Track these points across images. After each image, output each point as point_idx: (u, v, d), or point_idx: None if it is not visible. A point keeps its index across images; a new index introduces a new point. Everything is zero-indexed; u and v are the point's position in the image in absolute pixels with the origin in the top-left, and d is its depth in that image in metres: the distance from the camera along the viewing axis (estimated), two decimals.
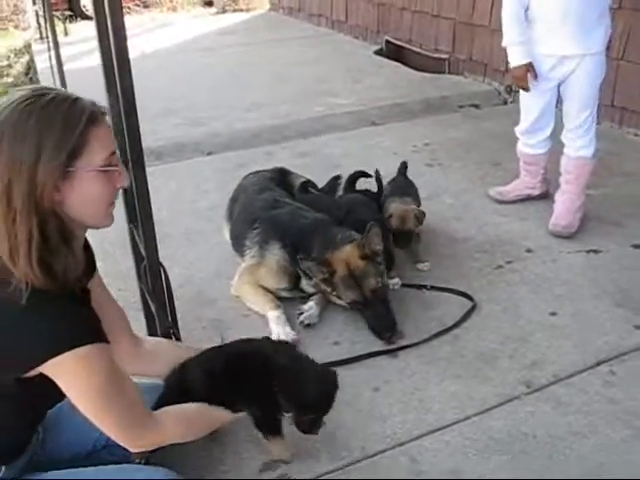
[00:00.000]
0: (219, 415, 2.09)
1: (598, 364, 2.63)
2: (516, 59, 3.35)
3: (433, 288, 3.10)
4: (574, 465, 2.20)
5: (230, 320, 2.98)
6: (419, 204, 3.46)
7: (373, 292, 2.81)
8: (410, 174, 4.21)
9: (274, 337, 2.78)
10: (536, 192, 3.81)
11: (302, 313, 2.92)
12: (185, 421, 1.99)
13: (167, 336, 2.41)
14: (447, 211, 3.83)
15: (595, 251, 3.37)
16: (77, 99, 1.64)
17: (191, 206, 4.03)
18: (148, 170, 4.44)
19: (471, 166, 4.37)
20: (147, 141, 4.97)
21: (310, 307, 2.92)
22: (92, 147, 1.63)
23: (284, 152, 4.71)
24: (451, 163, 4.45)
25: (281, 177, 3.63)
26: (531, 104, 3.53)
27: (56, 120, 1.58)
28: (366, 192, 3.69)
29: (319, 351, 2.75)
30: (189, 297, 3.15)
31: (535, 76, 3.35)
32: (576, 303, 2.99)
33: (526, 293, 3.08)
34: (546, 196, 3.80)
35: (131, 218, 2.52)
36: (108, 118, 1.73)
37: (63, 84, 5.48)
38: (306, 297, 3.02)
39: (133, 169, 2.16)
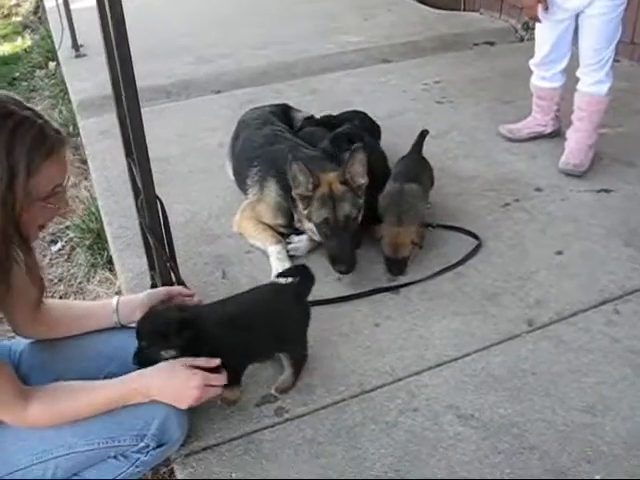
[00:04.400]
0: (99, 393, 1.88)
1: (602, 303, 2.56)
2: None
3: (439, 226, 3.01)
4: (573, 401, 2.15)
5: (232, 256, 2.93)
6: (429, 186, 3.09)
7: (345, 219, 2.72)
8: (419, 112, 4.13)
9: (274, 272, 2.74)
10: (548, 130, 3.67)
11: (290, 243, 2.87)
12: (56, 412, 1.84)
13: (165, 270, 2.36)
14: (456, 148, 3.72)
15: (606, 190, 3.26)
16: (42, 126, 1.70)
17: (199, 143, 3.94)
18: (157, 108, 4.46)
19: (482, 104, 4.22)
20: (156, 79, 4.97)
21: (300, 240, 2.87)
22: (40, 179, 1.67)
23: (293, 89, 4.58)
24: (462, 100, 4.30)
25: (283, 112, 3.53)
26: (545, 35, 3.39)
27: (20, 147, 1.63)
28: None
29: (321, 287, 2.70)
30: (193, 234, 3.10)
31: (546, 7, 3.22)
32: (583, 242, 2.90)
33: (533, 231, 2.99)
34: (558, 134, 3.67)
35: (128, 152, 2.45)
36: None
37: (70, 23, 5.34)
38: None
39: (126, 103, 2.06)
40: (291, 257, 2.84)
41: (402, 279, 2.73)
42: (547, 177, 3.38)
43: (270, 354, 2.21)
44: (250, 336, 2.04)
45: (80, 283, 3.44)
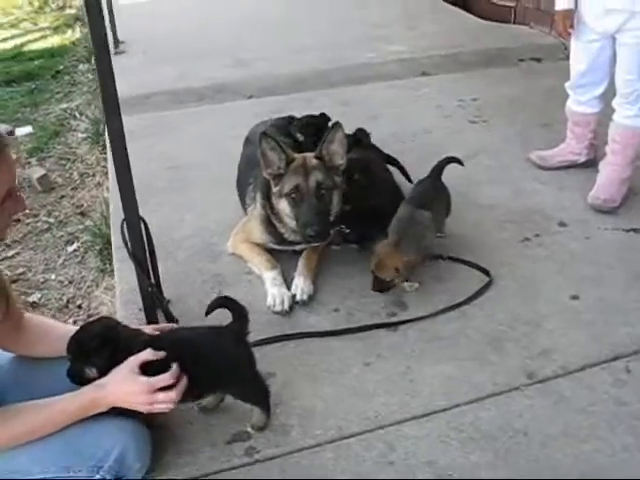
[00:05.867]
0: (60, 408, 1.83)
1: (613, 359, 2.32)
2: (560, 3, 3.08)
3: (450, 259, 2.82)
4: (564, 469, 1.95)
5: (231, 276, 2.81)
6: (445, 215, 2.86)
7: (317, 187, 2.58)
8: (450, 130, 3.93)
9: (270, 299, 2.61)
10: (581, 159, 3.42)
11: (295, 295, 2.65)
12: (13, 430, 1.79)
13: (147, 295, 2.25)
14: (482, 173, 3.50)
15: (635, 230, 2.99)
16: None
17: (223, 151, 3.82)
18: (188, 111, 4.38)
19: (517, 126, 3.97)
20: (191, 81, 4.90)
21: (296, 286, 2.67)
22: None
23: (325, 99, 4.41)
24: (497, 121, 4.06)
25: (287, 125, 3.35)
26: (578, 55, 3.19)
27: None
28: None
29: (317, 317, 2.58)
30: (197, 248, 3.01)
31: (571, 25, 3.05)
32: (603, 288, 2.65)
33: (550, 271, 2.76)
34: (592, 165, 3.39)
35: None
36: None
37: (112, 18, 5.29)
38: (297, 252, 2.82)
39: (106, 117, 1.95)
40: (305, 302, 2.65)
41: (401, 315, 2.56)
42: (574, 211, 3.14)
43: (204, 393, 2.07)
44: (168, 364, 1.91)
45: (89, 287, 3.40)
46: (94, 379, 1.87)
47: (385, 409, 2.17)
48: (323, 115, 3.41)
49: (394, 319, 2.54)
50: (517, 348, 2.39)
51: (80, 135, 4.70)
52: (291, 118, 3.42)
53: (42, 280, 3.49)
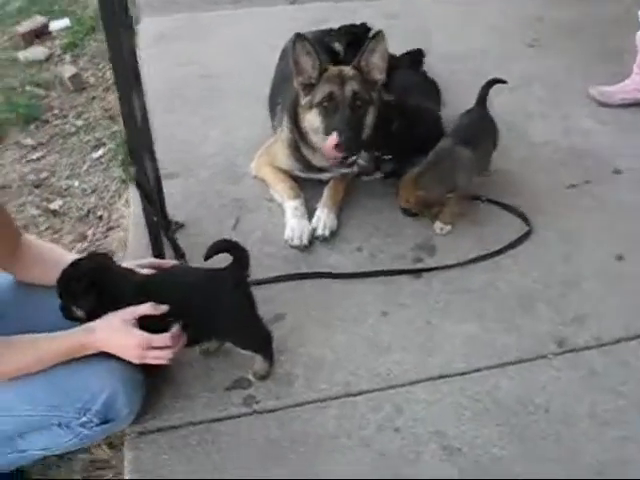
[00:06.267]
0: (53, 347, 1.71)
1: None
2: None
3: (489, 201, 2.55)
4: (586, 456, 1.77)
5: (251, 201, 2.61)
6: (491, 151, 2.57)
7: (353, 97, 2.31)
8: (505, 54, 3.52)
9: (288, 231, 2.40)
10: None
11: (316, 229, 2.43)
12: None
13: (154, 228, 2.05)
14: (535, 105, 3.14)
15: None
16: None
17: (256, 60, 3.49)
18: (224, 13, 4.03)
19: (579, 53, 3.53)
20: None
21: (318, 218, 2.44)
22: None
23: (370, 10, 3.97)
24: (557, 46, 3.61)
25: (327, 37, 3.01)
26: None
27: None
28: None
29: (337, 256, 2.37)
30: (219, 167, 2.79)
31: None
32: None
33: (596, 225, 2.49)
34: None
35: None
36: None
37: None
38: (323, 182, 2.58)
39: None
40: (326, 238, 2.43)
41: (428, 261, 2.34)
42: (632, 157, 2.79)
43: (200, 339, 1.91)
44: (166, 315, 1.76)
45: (111, 198, 3.23)
46: (83, 320, 1.75)
47: (398, 367, 2.00)
48: (364, 25, 3.06)
49: (420, 265, 2.33)
50: (549, 311, 2.16)
51: None
52: (331, 30, 3.08)
53: (65, 187, 3.32)
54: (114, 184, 3.26)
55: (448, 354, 2.03)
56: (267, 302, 2.14)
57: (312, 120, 2.37)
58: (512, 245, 2.37)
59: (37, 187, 3.26)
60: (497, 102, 2.72)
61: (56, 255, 1.95)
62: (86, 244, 2.90)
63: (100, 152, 3.51)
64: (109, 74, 4.11)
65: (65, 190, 3.32)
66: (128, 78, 1.80)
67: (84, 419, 1.70)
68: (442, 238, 2.41)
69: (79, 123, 3.74)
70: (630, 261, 2.33)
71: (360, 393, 1.93)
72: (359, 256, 2.37)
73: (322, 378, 1.96)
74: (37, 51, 4.23)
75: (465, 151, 2.37)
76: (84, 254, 1.92)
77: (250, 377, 1.96)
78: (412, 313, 2.16)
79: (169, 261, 2.06)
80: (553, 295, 2.21)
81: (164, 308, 1.73)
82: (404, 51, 3.29)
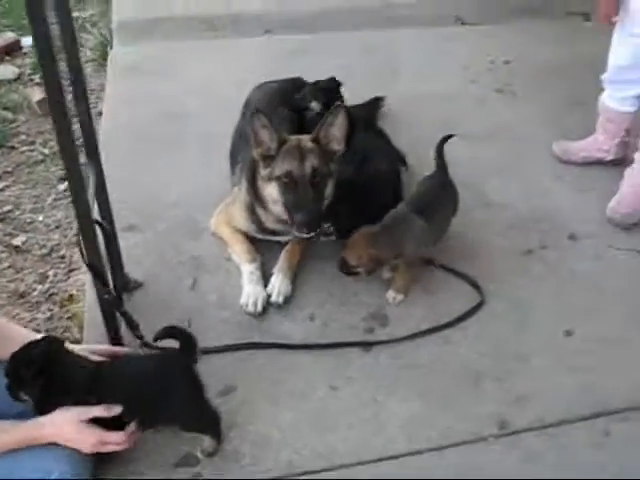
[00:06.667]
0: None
1: (597, 415, 2.13)
2: None
3: (442, 267, 2.58)
4: None
5: (210, 260, 2.62)
6: (446, 224, 2.57)
7: (312, 174, 2.34)
8: (473, 101, 3.55)
9: (244, 298, 2.43)
10: (609, 157, 3.05)
11: (270, 295, 2.45)
12: None
13: (105, 302, 2.06)
14: (496, 160, 3.16)
15: None
16: None
17: (226, 99, 3.43)
18: (196, 44, 4.02)
19: (549, 101, 3.55)
20: (199, 8, 4.44)
21: (272, 286, 2.46)
22: None
23: (347, 43, 3.99)
24: (526, 93, 3.64)
25: (294, 90, 3.01)
26: (618, 49, 2.81)
27: None
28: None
29: (290, 324, 2.40)
30: (178, 220, 2.80)
31: (615, 11, 2.69)
32: (604, 325, 2.41)
33: (548, 296, 2.52)
34: (621, 163, 3.01)
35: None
36: None
37: None
38: (281, 243, 2.60)
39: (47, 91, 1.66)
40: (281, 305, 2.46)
41: (379, 332, 2.37)
42: (588, 222, 2.83)
43: (150, 426, 1.93)
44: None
45: (74, 236, 3.23)
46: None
47: (342, 446, 2.03)
48: (334, 80, 3.05)
49: (370, 336, 2.36)
50: (494, 389, 2.20)
51: (88, 53, 4.36)
52: (298, 81, 3.08)
53: (29, 221, 3.31)
54: None
55: (391, 434, 2.06)
56: (218, 372, 2.20)
57: (272, 192, 2.39)
58: (463, 317, 2.40)
59: (0, 221, 3.26)
60: (458, 157, 2.73)
61: (21, 336, 1.95)
62: (47, 285, 2.91)
63: (66, 184, 3.50)
64: None
65: (29, 224, 3.31)
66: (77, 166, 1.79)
67: None
68: (394, 307, 2.44)
69: (46, 151, 3.72)
70: (579, 336, 2.37)
71: (302, 474, 1.96)
72: (311, 325, 2.39)
73: (268, 456, 1.99)
74: (7, 70, 4.19)
75: (418, 221, 2.38)
76: (38, 336, 1.91)
77: (198, 454, 1.98)
78: (359, 388, 2.18)
79: (122, 349, 2.08)
80: (500, 372, 2.24)
81: (117, 410, 1.76)
82: (366, 95, 3.33)
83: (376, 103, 3.31)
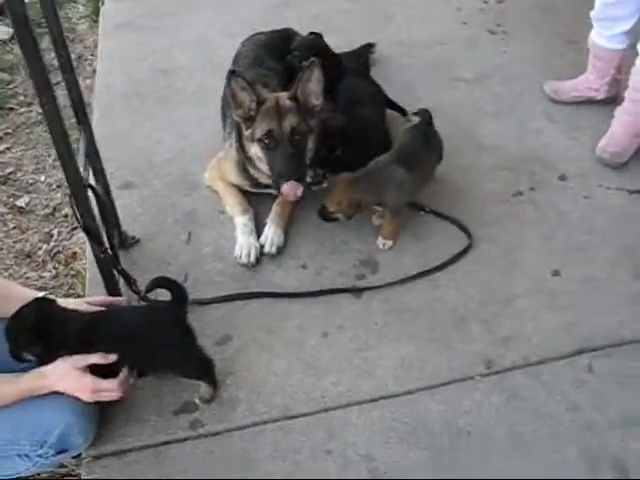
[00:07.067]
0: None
1: (579, 352, 2.19)
2: None
3: (432, 212, 2.62)
4: None
5: (204, 214, 2.67)
6: (429, 174, 2.58)
7: (291, 132, 2.38)
8: (464, 43, 3.52)
9: (237, 249, 2.49)
10: (600, 96, 3.03)
11: (263, 246, 2.51)
12: None
13: (101, 261, 2.12)
14: (488, 102, 3.15)
15: None
16: None
17: (217, 52, 3.45)
18: None
19: (541, 40, 3.50)
20: None
21: (265, 236, 2.52)
22: None
23: None
24: (518, 33, 3.57)
25: (283, 42, 2.99)
26: None
27: None
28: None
29: (283, 273, 2.47)
30: (173, 176, 2.84)
31: None
32: (590, 264, 2.45)
33: (536, 237, 2.56)
34: (614, 101, 2.98)
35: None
36: None
37: None
38: (273, 195, 2.61)
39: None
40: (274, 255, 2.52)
41: (370, 278, 2.43)
42: (578, 162, 2.84)
43: (146, 373, 2.03)
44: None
45: (69, 198, 3.29)
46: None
47: (334, 390, 2.12)
48: (318, 36, 3.01)
49: (361, 282, 2.42)
50: (482, 330, 2.27)
51: (81, 8, 4.33)
52: (287, 32, 3.06)
53: (31, 181, 3.37)
54: None
55: (381, 377, 2.14)
56: (214, 322, 2.30)
57: (255, 152, 2.44)
58: (451, 261, 2.45)
59: (3, 184, 3.32)
60: (452, 100, 2.75)
61: (19, 293, 2.03)
62: (52, 244, 2.98)
63: None
64: (73, 55, 4.08)
65: (31, 185, 3.37)
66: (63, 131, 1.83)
67: (41, 451, 1.84)
68: (385, 253, 2.50)
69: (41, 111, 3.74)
70: (565, 277, 2.41)
71: (297, 416, 2.05)
72: (304, 274, 2.45)
73: (263, 401, 2.09)
74: (0, 30, 4.18)
75: (399, 170, 2.40)
76: (39, 295, 2.00)
77: (197, 401, 2.08)
78: (350, 334, 2.26)
79: (117, 299, 2.16)
80: (487, 314, 2.30)
81: (113, 357, 1.85)
82: (358, 42, 3.30)
83: (367, 49, 3.28)
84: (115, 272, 2.19)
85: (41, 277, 2.84)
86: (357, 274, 2.44)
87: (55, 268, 2.87)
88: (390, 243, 2.51)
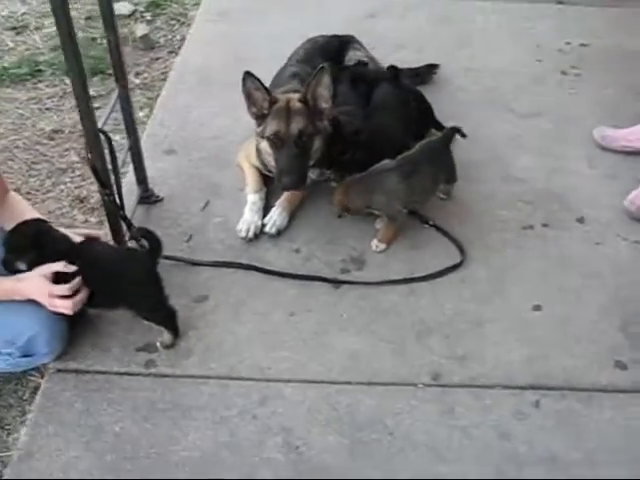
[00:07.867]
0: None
1: (531, 387, 2.14)
2: None
3: (434, 226, 2.64)
4: None
5: (227, 189, 2.84)
6: (436, 184, 2.62)
7: (298, 134, 2.48)
8: (533, 76, 3.47)
9: (240, 224, 2.65)
10: None
11: (265, 225, 2.65)
12: None
13: (106, 203, 2.34)
14: (533, 137, 3.10)
15: None
16: None
17: (287, 50, 3.36)
18: None
19: (611, 88, 3.39)
20: None
21: (270, 217, 2.66)
22: None
23: (424, 11, 4.02)
24: (591, 77, 3.48)
25: (339, 47, 3.14)
26: None
27: None
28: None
29: (276, 254, 2.59)
30: (212, 152, 3.04)
31: None
32: (576, 307, 2.38)
33: (531, 270, 2.51)
34: None
35: None
36: None
37: None
38: None
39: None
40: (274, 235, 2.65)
41: (353, 273, 2.50)
42: (602, 209, 2.73)
43: (108, 305, 2.23)
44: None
45: (84, 142, 3.55)
46: (23, 271, 2.11)
47: (281, 364, 2.20)
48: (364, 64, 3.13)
49: (344, 275, 2.49)
50: (441, 345, 2.26)
51: None
52: (345, 38, 3.21)
53: None
54: None
55: (328, 363, 2.20)
56: (198, 282, 2.46)
57: (265, 147, 2.60)
58: (437, 275, 2.46)
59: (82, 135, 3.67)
60: (496, 129, 2.76)
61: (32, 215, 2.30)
62: None
63: (141, 114, 3.86)
64: (179, 37, 4.45)
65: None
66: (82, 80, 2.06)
67: (9, 350, 2.08)
68: (376, 255, 2.55)
69: (137, 81, 4.09)
70: (545, 314, 2.35)
71: (238, 378, 2.16)
72: (295, 257, 2.56)
73: (214, 358, 2.21)
74: (124, 6, 4.61)
75: (392, 176, 2.48)
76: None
77: (158, 344, 2.24)
78: (314, 319, 2.33)
79: (97, 232, 2.38)
80: (452, 330, 2.29)
81: (73, 268, 2.07)
82: (426, 60, 3.39)
83: (430, 69, 3.35)
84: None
85: (88, 221, 3.11)
86: (343, 268, 2.51)
87: (101, 215, 3.16)
88: (383, 246, 2.56)
